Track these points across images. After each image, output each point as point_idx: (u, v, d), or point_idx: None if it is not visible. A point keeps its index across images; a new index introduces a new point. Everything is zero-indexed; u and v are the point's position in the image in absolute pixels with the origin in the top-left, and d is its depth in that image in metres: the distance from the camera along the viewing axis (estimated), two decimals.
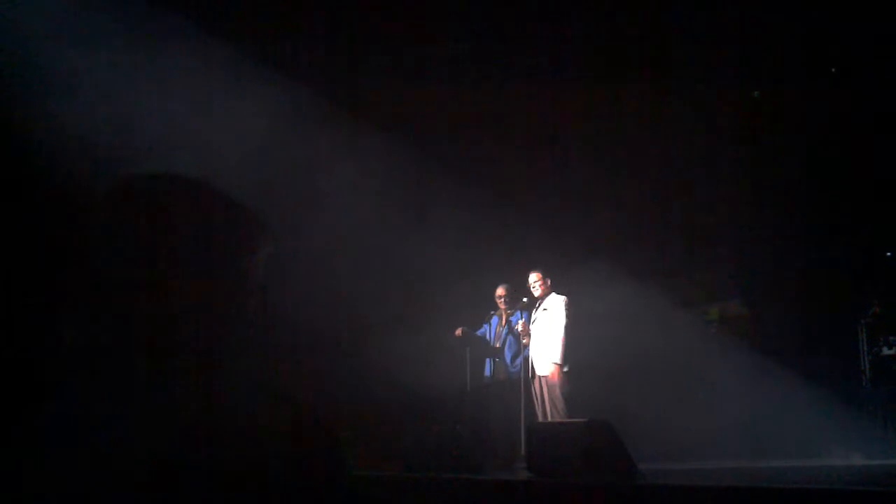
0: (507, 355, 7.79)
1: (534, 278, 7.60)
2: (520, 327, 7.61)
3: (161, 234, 1.11)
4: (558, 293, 7.54)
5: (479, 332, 8.05)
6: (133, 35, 6.84)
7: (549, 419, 7.14)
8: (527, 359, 7.54)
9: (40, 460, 1.01)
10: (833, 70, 9.09)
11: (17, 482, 0.99)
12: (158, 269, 1.09)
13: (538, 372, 7.38)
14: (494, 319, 8.04)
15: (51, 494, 0.99)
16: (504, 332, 7.88)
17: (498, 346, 7.86)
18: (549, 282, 7.60)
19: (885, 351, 8.97)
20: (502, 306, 7.97)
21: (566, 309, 7.34)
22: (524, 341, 7.58)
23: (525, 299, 7.67)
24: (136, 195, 1.15)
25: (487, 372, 7.88)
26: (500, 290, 7.98)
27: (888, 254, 9.57)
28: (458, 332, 7.93)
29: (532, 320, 7.59)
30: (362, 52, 8.68)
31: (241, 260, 1.17)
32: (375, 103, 8.81)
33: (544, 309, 7.49)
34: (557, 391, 7.17)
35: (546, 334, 7.37)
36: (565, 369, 7.20)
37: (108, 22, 6.66)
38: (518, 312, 7.78)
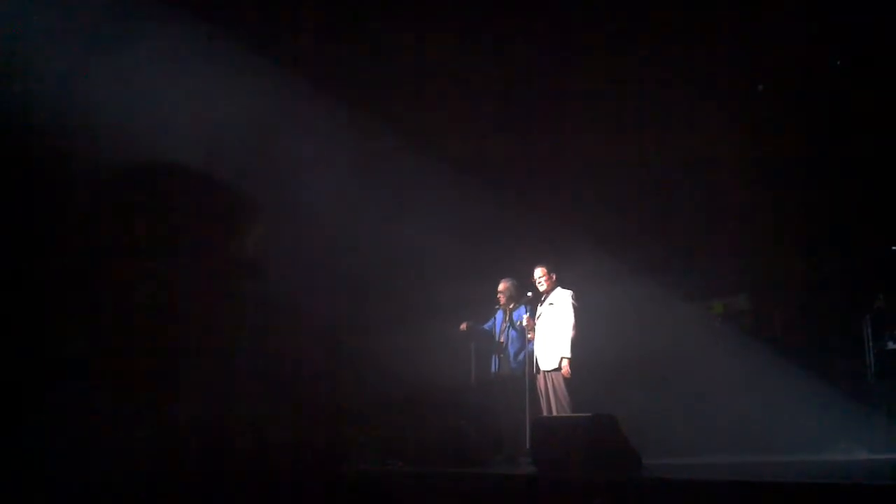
0: (510, 351, 7.79)
1: (539, 273, 7.60)
2: (524, 322, 7.61)
3: (158, 222, 1.11)
4: (564, 288, 7.54)
5: (485, 327, 8.06)
6: (119, 22, 6.83)
7: (555, 414, 7.15)
8: (531, 354, 7.54)
9: (41, 460, 1.01)
10: (838, 62, 9.06)
11: (18, 482, 1.00)
12: (157, 259, 1.09)
13: (542, 367, 7.38)
14: (499, 314, 8.04)
15: (52, 494, 0.99)
16: (506, 327, 7.88)
17: (501, 340, 7.87)
18: (554, 277, 7.59)
19: (890, 345, 8.93)
20: (503, 301, 7.96)
21: (573, 303, 7.35)
22: (529, 336, 7.58)
23: (529, 294, 7.67)
24: (132, 184, 1.15)
25: (493, 367, 7.89)
26: (501, 286, 7.98)
27: (893, 248, 9.53)
28: (464, 326, 7.95)
29: (537, 315, 7.59)
30: (358, 41, 8.64)
31: (232, 240, 1.16)
32: (375, 94, 8.79)
33: (550, 303, 7.48)
34: (564, 386, 7.18)
35: (552, 329, 7.37)
36: (567, 363, 7.21)
37: (98, 11, 6.65)
38: (522, 307, 7.78)
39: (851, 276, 9.41)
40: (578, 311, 7.33)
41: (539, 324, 7.51)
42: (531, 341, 7.56)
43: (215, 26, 7.51)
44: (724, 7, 8.43)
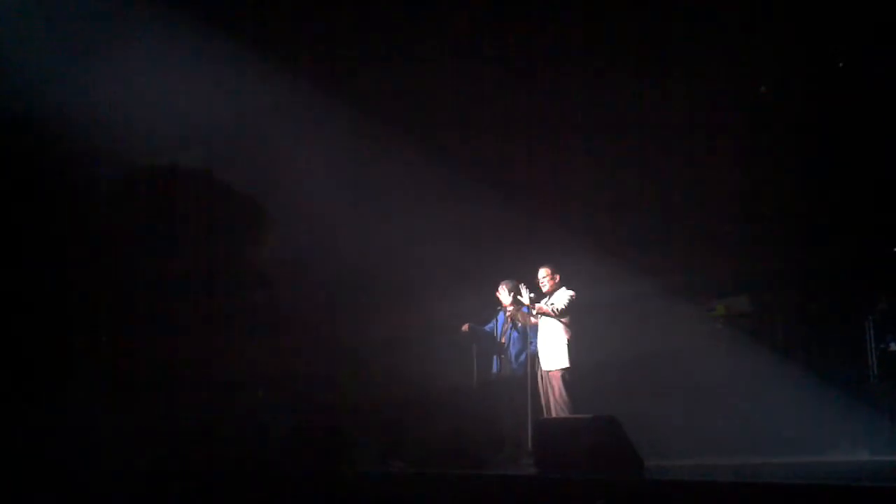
0: (511, 352, 7.79)
1: (543, 273, 7.61)
2: (525, 299, 7.53)
3: (165, 226, 1.11)
4: (568, 288, 7.55)
5: (487, 328, 8.06)
6: (120, 22, 6.84)
7: (553, 413, 7.16)
8: (533, 355, 7.55)
9: (41, 459, 1.01)
10: (840, 64, 9.05)
11: (18, 481, 1.00)
12: (161, 262, 1.09)
13: (544, 367, 7.39)
14: (500, 315, 8.04)
15: (52, 493, 1.00)
16: (508, 328, 7.88)
17: (503, 341, 7.87)
18: (557, 277, 7.61)
19: (892, 346, 8.94)
20: (503, 304, 7.96)
21: (569, 300, 7.36)
22: (532, 321, 7.57)
23: (532, 295, 7.67)
24: (140, 187, 1.16)
25: (495, 368, 7.89)
26: (500, 289, 7.99)
27: (895, 249, 9.53)
28: (465, 327, 7.97)
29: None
30: (362, 43, 8.64)
31: (244, 250, 1.17)
32: (377, 97, 8.79)
33: (552, 303, 7.49)
34: (562, 386, 7.20)
35: (553, 329, 7.38)
36: (568, 365, 7.23)
37: (103, 15, 6.66)
38: (524, 308, 7.78)
39: (853, 278, 9.41)
40: (574, 308, 7.34)
41: (542, 324, 7.52)
42: (531, 325, 7.57)
43: (215, 26, 7.51)
44: (726, 7, 8.43)
